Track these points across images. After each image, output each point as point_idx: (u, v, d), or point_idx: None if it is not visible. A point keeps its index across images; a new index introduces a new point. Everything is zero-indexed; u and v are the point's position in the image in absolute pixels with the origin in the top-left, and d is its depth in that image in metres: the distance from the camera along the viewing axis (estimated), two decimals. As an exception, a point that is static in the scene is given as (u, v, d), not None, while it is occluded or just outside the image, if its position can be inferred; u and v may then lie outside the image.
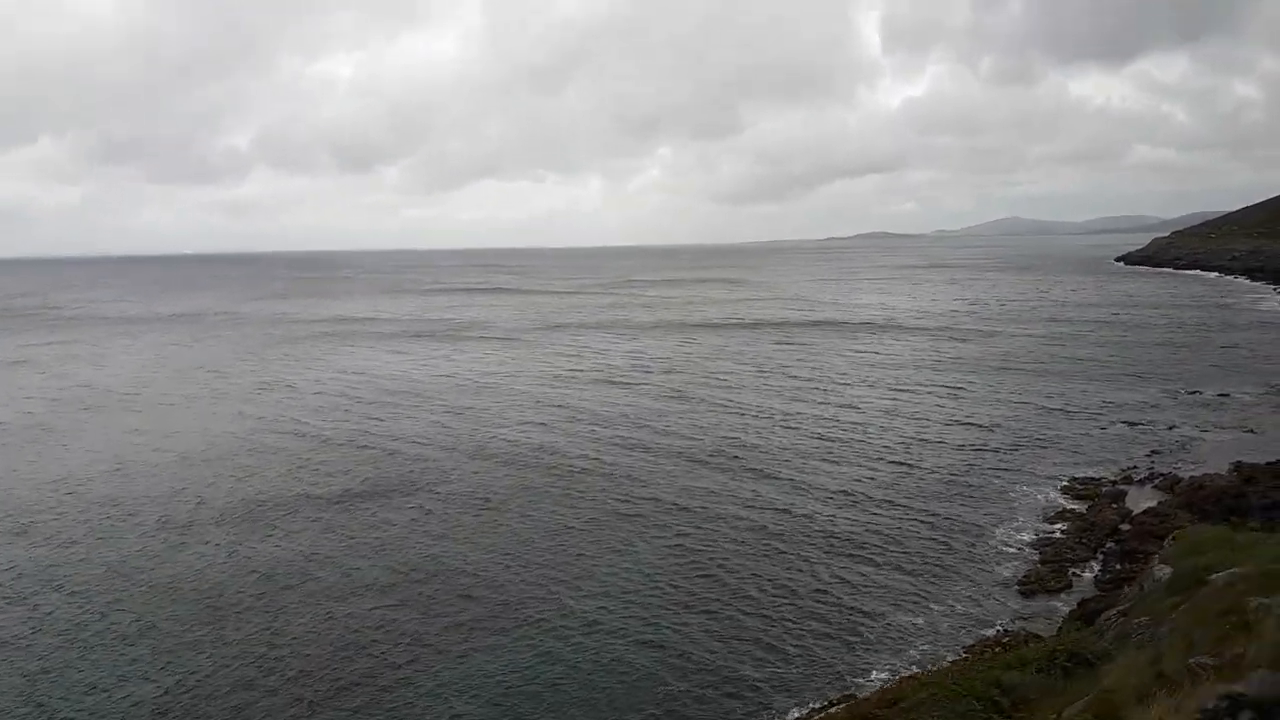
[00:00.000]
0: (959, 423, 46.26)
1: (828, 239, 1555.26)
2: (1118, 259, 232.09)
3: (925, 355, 71.84)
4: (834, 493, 34.52)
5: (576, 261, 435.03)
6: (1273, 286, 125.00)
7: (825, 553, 28.38)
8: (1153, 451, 39.40)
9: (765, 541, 29.53)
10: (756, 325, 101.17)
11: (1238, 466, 35.89)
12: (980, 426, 45.18)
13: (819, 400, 53.38)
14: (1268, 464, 35.78)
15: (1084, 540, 28.14)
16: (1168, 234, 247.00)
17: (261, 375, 69.22)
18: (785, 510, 32.53)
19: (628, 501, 34.02)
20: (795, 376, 62.06)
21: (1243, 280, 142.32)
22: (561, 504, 33.90)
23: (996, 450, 40.44)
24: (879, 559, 27.83)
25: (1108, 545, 27.72)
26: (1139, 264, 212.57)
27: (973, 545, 28.86)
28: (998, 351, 72.70)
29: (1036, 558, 27.73)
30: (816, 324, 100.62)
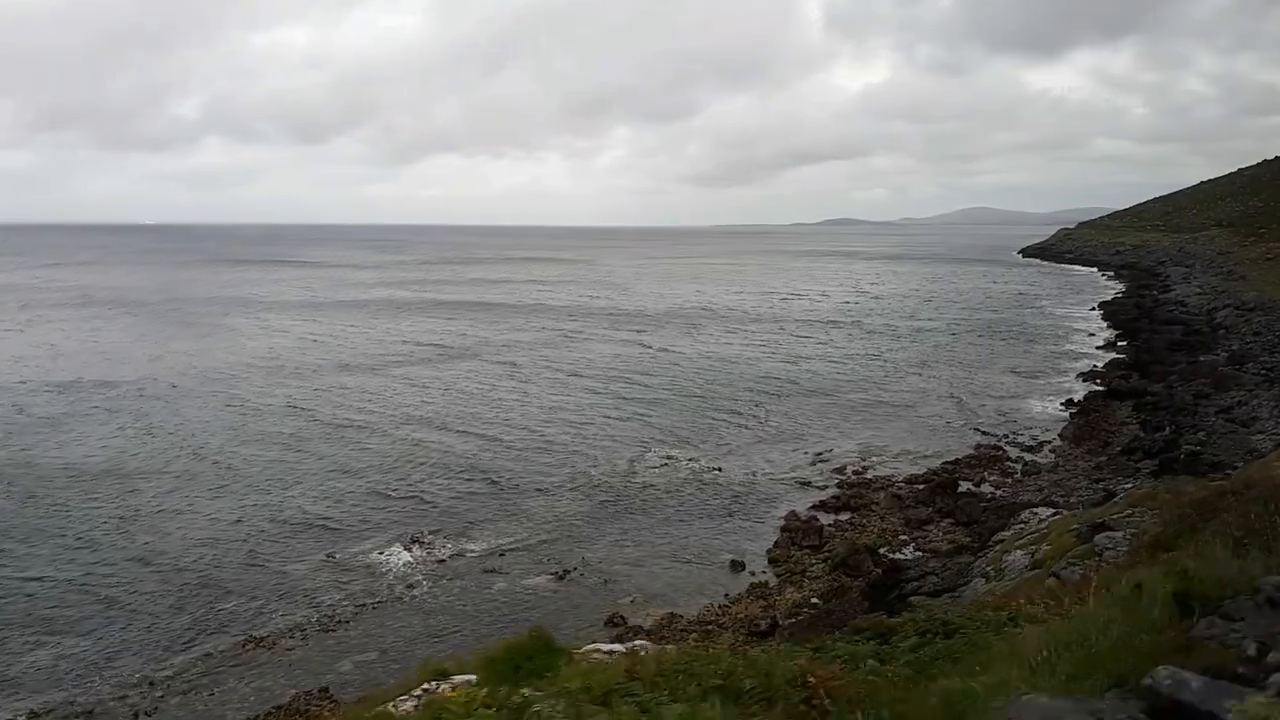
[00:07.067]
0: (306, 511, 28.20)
1: (794, 224, 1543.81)
2: (1019, 251, 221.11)
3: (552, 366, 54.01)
4: None
5: (473, 238, 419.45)
6: (1120, 285, 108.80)
7: None
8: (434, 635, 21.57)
9: None
10: (486, 307, 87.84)
11: (525, 635, 18.35)
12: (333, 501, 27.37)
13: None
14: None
15: None
16: (1073, 225, 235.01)
17: None
18: None
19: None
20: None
21: (1103, 276, 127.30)
22: None
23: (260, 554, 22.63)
24: None
25: None
26: (1034, 256, 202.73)
27: None
28: (679, 360, 55.18)
29: None
30: (548, 310, 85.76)
